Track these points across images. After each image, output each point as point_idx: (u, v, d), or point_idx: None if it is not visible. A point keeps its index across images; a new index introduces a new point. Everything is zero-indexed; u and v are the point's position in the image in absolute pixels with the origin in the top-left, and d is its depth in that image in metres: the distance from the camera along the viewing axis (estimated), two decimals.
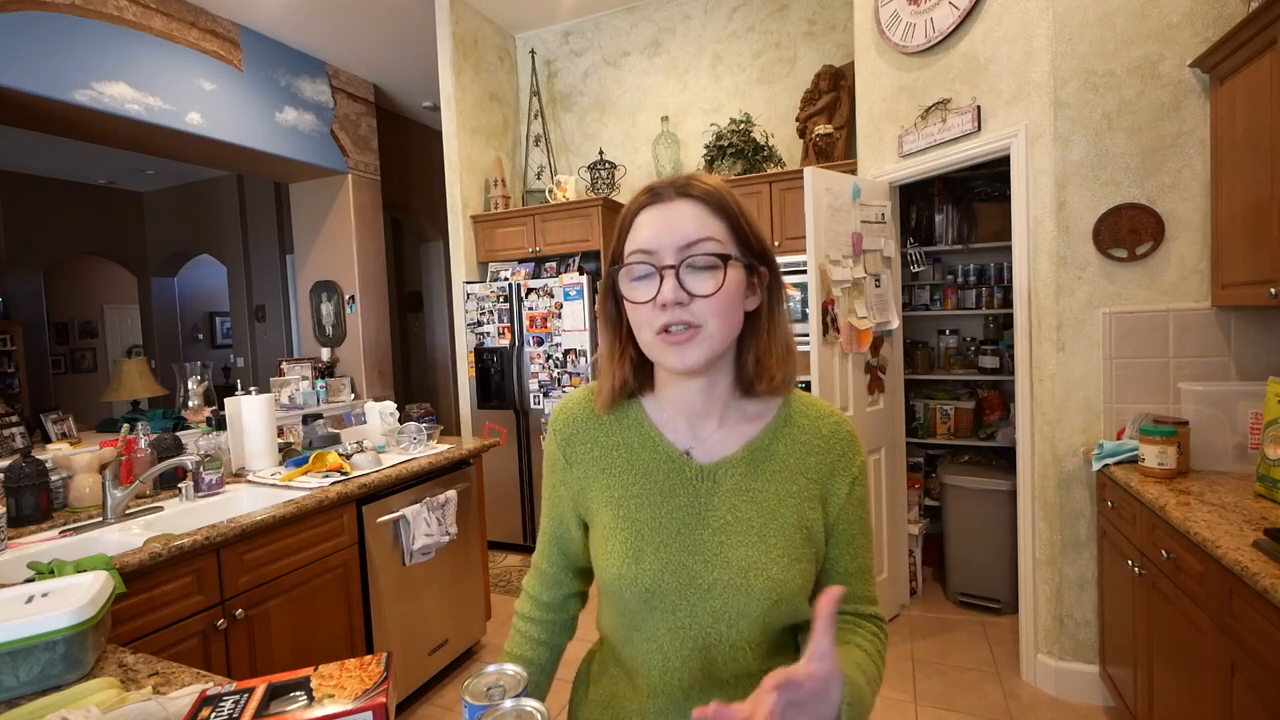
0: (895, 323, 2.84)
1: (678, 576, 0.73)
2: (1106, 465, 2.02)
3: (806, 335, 2.62)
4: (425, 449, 2.56)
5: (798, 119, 3.44)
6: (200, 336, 7.96)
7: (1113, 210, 2.10)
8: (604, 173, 3.86)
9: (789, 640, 0.79)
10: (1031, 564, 2.33)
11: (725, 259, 0.69)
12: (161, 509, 1.95)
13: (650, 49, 4.01)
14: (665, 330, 0.69)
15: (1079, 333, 2.18)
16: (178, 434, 2.24)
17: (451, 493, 2.47)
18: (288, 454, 2.42)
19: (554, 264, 3.88)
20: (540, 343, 3.69)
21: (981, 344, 3.30)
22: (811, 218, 2.47)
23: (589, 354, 3.55)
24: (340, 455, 2.30)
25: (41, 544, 1.66)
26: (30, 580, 1.22)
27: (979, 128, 2.37)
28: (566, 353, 3.61)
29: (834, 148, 3.23)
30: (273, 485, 2.15)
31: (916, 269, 3.24)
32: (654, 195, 0.72)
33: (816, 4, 3.57)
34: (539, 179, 4.32)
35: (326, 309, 5.02)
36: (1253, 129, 1.72)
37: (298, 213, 5.11)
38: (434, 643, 2.43)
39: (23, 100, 3.08)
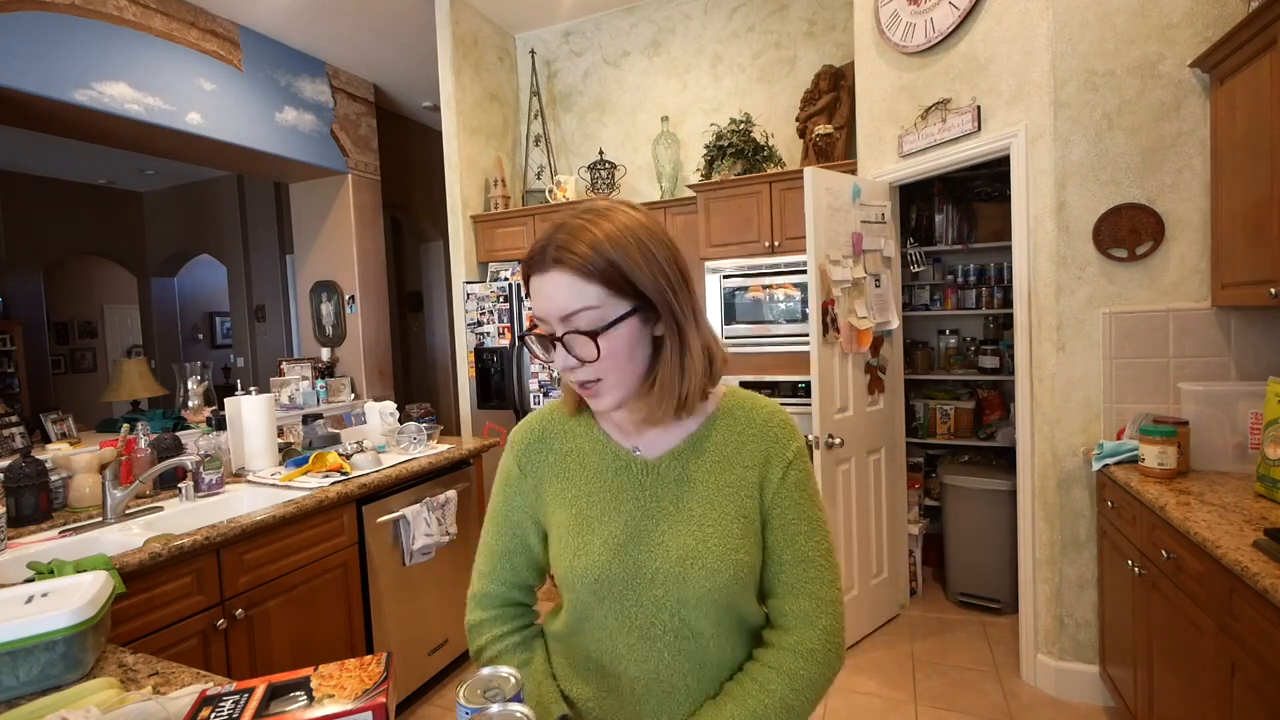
0: (895, 323, 2.84)
1: (624, 566, 0.77)
2: (1106, 465, 2.02)
3: (806, 335, 2.62)
4: (425, 449, 2.56)
5: (798, 119, 3.44)
6: (200, 336, 7.96)
7: (1113, 210, 2.10)
8: (604, 173, 3.85)
9: (742, 631, 0.80)
10: (1031, 564, 2.33)
11: (608, 325, 0.70)
12: (161, 509, 1.95)
13: (650, 49, 4.01)
14: (578, 383, 0.75)
15: (1079, 333, 2.18)
16: (178, 434, 2.24)
17: (451, 493, 2.47)
18: (288, 454, 2.42)
19: None
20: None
21: (981, 344, 3.30)
22: (811, 218, 2.47)
23: None
24: (340, 455, 2.30)
25: (41, 544, 1.66)
26: (30, 580, 1.22)
27: (979, 128, 2.37)
28: None
29: (834, 148, 3.23)
30: (273, 485, 2.15)
31: (916, 269, 3.24)
32: (532, 263, 0.74)
33: (816, 4, 3.57)
34: (539, 179, 4.31)
35: (326, 309, 5.02)
36: (1253, 129, 1.72)
37: (298, 213, 5.11)
38: (434, 643, 2.43)
39: (22, 100, 3.08)
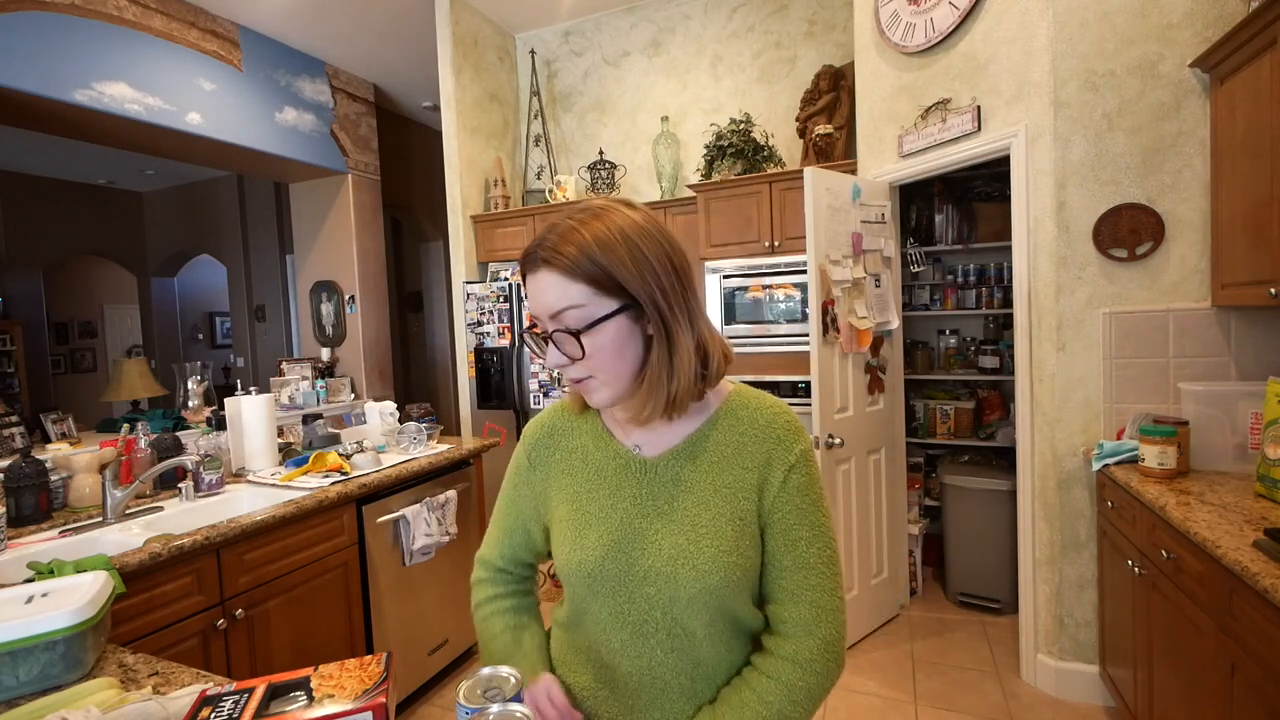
0: (895, 323, 2.84)
1: (617, 562, 0.77)
2: (1106, 465, 2.02)
3: (806, 335, 2.62)
4: (425, 449, 2.56)
5: (798, 119, 3.44)
6: (200, 336, 7.96)
7: (1113, 210, 2.10)
8: (604, 173, 3.85)
9: (737, 633, 0.79)
10: (1031, 564, 2.33)
11: (593, 323, 0.72)
12: (161, 509, 1.95)
13: (650, 49, 4.01)
14: (572, 380, 0.78)
15: (1079, 333, 2.18)
16: (178, 434, 2.24)
17: (451, 493, 2.47)
18: (288, 454, 2.42)
19: None
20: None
21: (981, 344, 3.30)
22: (811, 218, 2.47)
23: None
24: (340, 455, 2.30)
25: (41, 544, 1.66)
26: (30, 580, 1.22)
27: (979, 128, 2.37)
28: None
29: (834, 148, 3.23)
30: (273, 485, 2.15)
31: (916, 269, 3.24)
32: (525, 263, 0.76)
33: (816, 4, 3.57)
34: (539, 179, 4.32)
35: (326, 309, 5.02)
36: (1253, 129, 1.72)
37: (298, 213, 5.11)
38: (434, 643, 2.43)
39: (23, 100, 3.08)
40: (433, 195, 5.94)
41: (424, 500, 2.34)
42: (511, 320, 3.76)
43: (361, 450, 2.38)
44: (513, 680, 0.71)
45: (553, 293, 0.72)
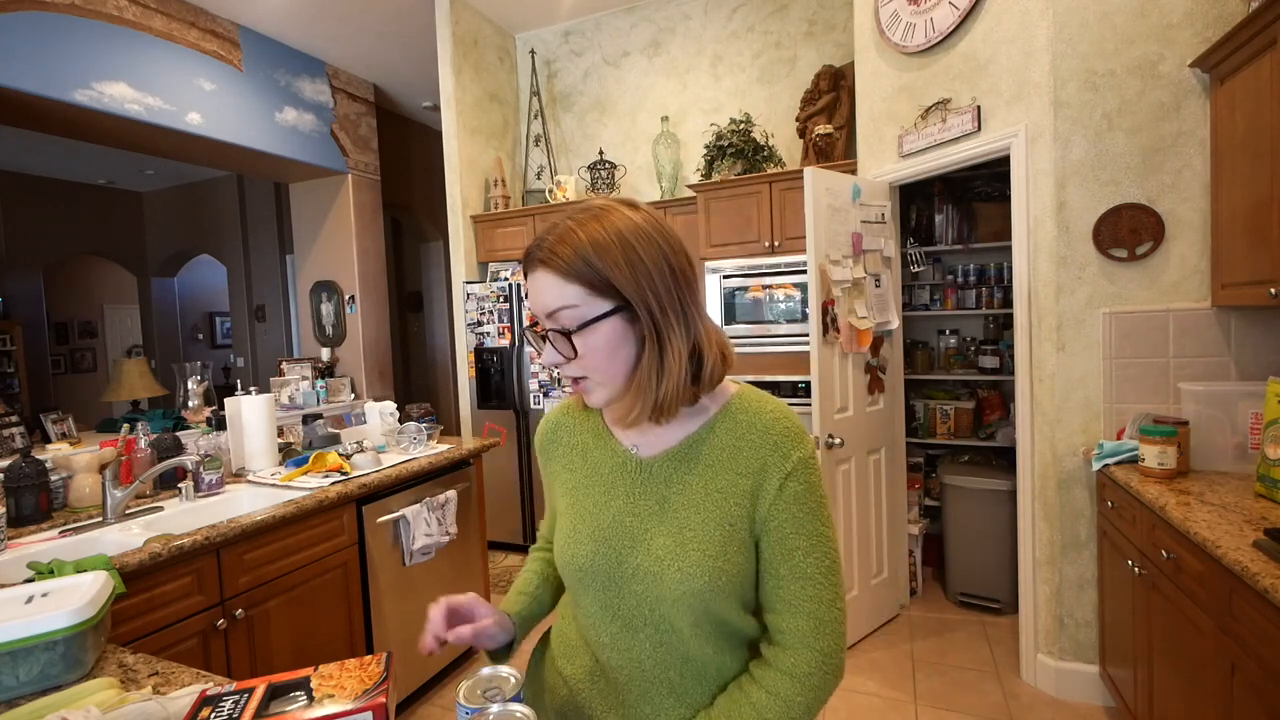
0: (895, 323, 2.84)
1: (607, 559, 0.79)
2: (1106, 465, 2.02)
3: (806, 335, 2.62)
4: (425, 449, 2.56)
5: (798, 119, 3.44)
6: (200, 336, 7.96)
7: (1113, 210, 2.10)
8: (604, 173, 3.86)
9: (726, 634, 0.79)
10: (1031, 564, 2.33)
11: (585, 323, 0.73)
12: (161, 509, 1.95)
13: (650, 49, 4.01)
14: (569, 378, 0.79)
15: (1079, 333, 2.18)
16: (178, 434, 2.24)
17: (451, 493, 2.47)
18: (288, 454, 2.42)
19: None
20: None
21: (981, 344, 3.30)
22: (811, 218, 2.47)
23: None
24: (340, 455, 2.30)
25: (41, 544, 1.65)
26: (30, 580, 1.22)
27: (979, 128, 2.37)
28: None
29: (834, 148, 3.23)
30: (273, 485, 2.15)
31: (916, 269, 3.24)
32: (525, 262, 0.77)
33: (816, 4, 3.57)
34: (539, 179, 4.32)
35: (326, 309, 5.02)
36: (1253, 129, 1.72)
37: (298, 213, 5.11)
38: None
39: (23, 100, 3.08)
40: (433, 195, 5.95)
41: (424, 500, 2.34)
42: (511, 320, 3.76)
43: (361, 450, 2.38)
44: (513, 680, 0.71)
45: (549, 293, 0.73)
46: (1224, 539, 1.35)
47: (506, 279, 3.85)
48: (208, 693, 0.70)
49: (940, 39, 2.46)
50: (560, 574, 0.86)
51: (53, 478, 1.89)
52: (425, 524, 2.32)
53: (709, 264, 3.28)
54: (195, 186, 6.85)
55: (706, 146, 3.57)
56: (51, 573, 1.21)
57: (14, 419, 2.32)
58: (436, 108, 4.87)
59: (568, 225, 0.74)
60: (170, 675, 0.97)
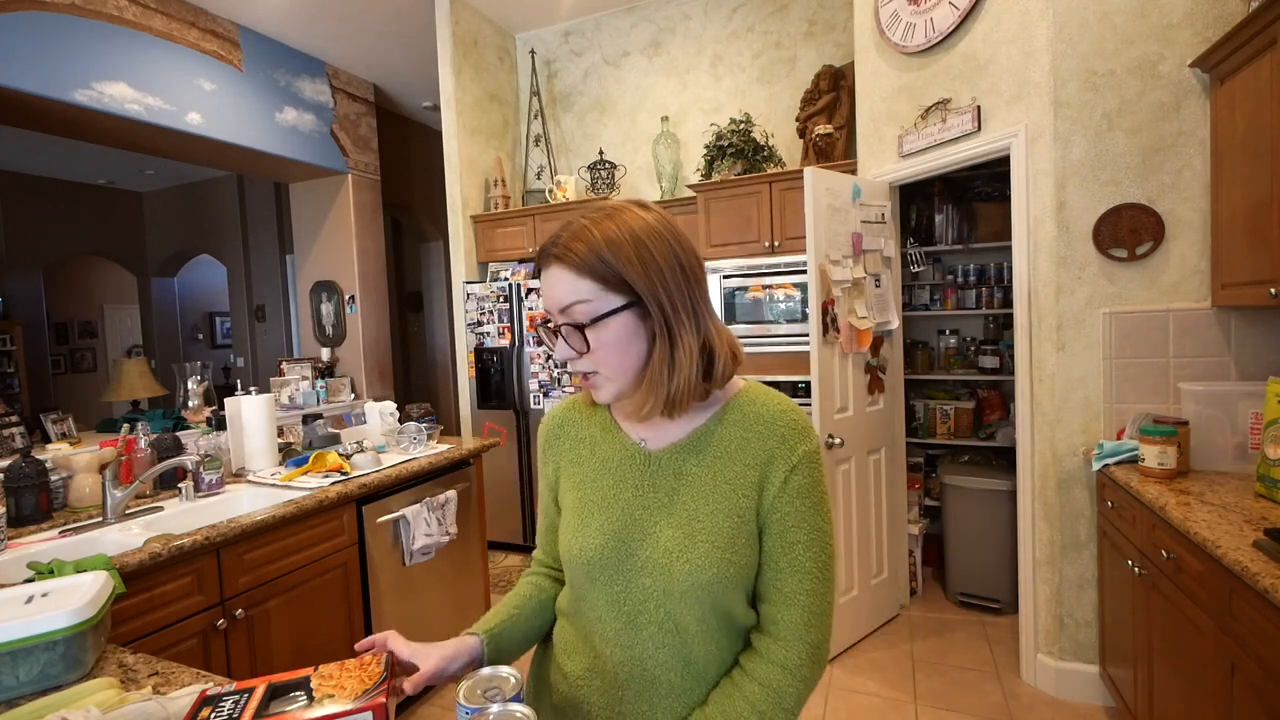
0: (895, 323, 2.84)
1: (616, 552, 0.79)
2: (1106, 465, 2.02)
3: (806, 335, 2.62)
4: (425, 449, 2.56)
5: (798, 119, 3.44)
6: (200, 336, 7.96)
7: (1113, 210, 2.10)
8: (604, 173, 3.86)
9: (729, 630, 0.79)
10: (1031, 564, 2.33)
11: (597, 318, 0.74)
12: (161, 509, 1.95)
13: (650, 49, 4.01)
14: (579, 373, 0.80)
15: (1079, 333, 2.18)
16: (178, 434, 2.24)
17: (451, 493, 2.47)
18: (288, 454, 2.42)
19: None
20: (540, 342, 3.69)
21: (981, 344, 3.30)
22: (811, 218, 2.47)
23: None
24: (340, 455, 2.30)
25: (41, 544, 1.65)
26: (30, 580, 1.22)
27: (979, 128, 2.37)
28: None
29: (834, 148, 3.23)
30: (273, 485, 2.15)
31: (916, 269, 3.24)
32: (539, 259, 0.79)
33: (816, 4, 3.57)
34: (539, 179, 4.32)
35: (326, 309, 5.02)
36: (1253, 129, 1.72)
37: (298, 213, 5.11)
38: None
39: (23, 100, 3.08)
40: (433, 195, 5.95)
41: (424, 500, 2.34)
42: (511, 320, 3.76)
43: (361, 450, 2.38)
44: (513, 680, 0.71)
45: (562, 288, 0.75)
46: (1224, 539, 1.35)
47: (506, 279, 3.85)
48: (208, 693, 0.70)
49: (940, 39, 2.46)
50: (565, 568, 0.86)
51: (53, 478, 1.89)
52: (425, 524, 2.32)
53: (709, 264, 3.28)
54: (195, 186, 6.85)
55: (706, 146, 3.57)
56: (51, 573, 1.21)
57: (14, 419, 2.32)
58: (436, 108, 4.87)
59: (582, 223, 0.76)
60: (170, 675, 0.97)
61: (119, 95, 3.36)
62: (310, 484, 2.10)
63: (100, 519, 1.81)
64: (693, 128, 3.88)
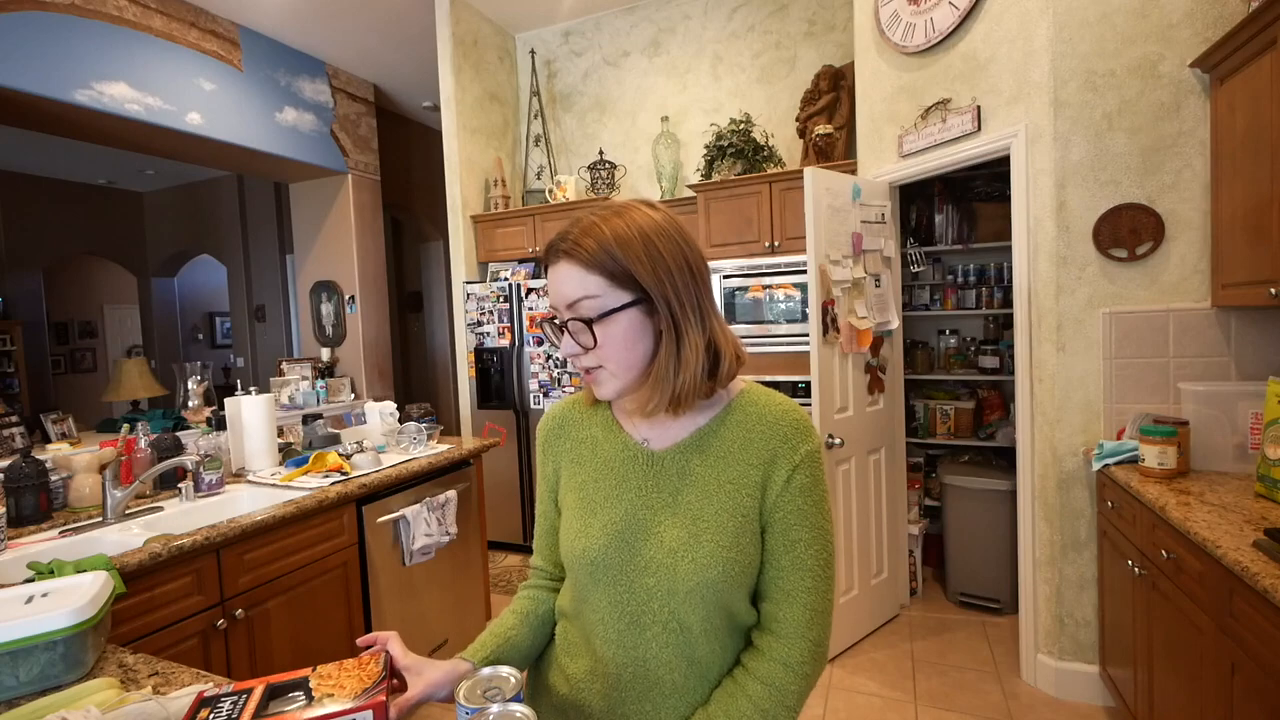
0: (895, 323, 2.84)
1: (620, 552, 0.79)
2: (1106, 465, 2.02)
3: (806, 335, 2.62)
4: (425, 449, 2.56)
5: (798, 119, 3.44)
6: (200, 336, 7.96)
7: (1113, 210, 2.10)
8: (604, 173, 3.86)
9: (732, 630, 0.80)
10: (1031, 564, 2.33)
11: (605, 313, 0.74)
12: (161, 509, 1.95)
13: (650, 49, 4.01)
14: (583, 369, 0.80)
15: (1079, 333, 2.18)
16: (178, 434, 2.24)
17: (451, 493, 2.47)
18: (288, 454, 2.42)
19: None
20: (540, 342, 3.69)
21: (981, 344, 3.30)
22: (811, 218, 2.47)
23: None
24: (340, 455, 2.30)
25: (41, 544, 1.66)
26: (30, 580, 1.22)
27: (979, 128, 2.37)
28: None
29: (834, 148, 3.23)
30: (273, 485, 2.15)
31: (916, 269, 3.24)
32: (547, 255, 0.79)
33: (816, 4, 3.57)
34: (539, 179, 4.32)
35: (326, 309, 5.02)
36: (1253, 129, 1.72)
37: (298, 213, 5.11)
38: (434, 642, 2.43)
39: (22, 100, 3.08)
40: (433, 195, 5.95)
41: (424, 500, 2.34)
42: (511, 320, 3.76)
43: (361, 450, 2.38)
44: (513, 680, 0.71)
45: (570, 283, 0.75)
46: (1224, 539, 1.35)
47: (506, 279, 3.85)
48: (205, 694, 0.70)
49: (940, 39, 2.46)
50: (568, 569, 0.86)
51: (53, 478, 1.89)
52: (425, 524, 2.32)
53: (709, 264, 3.28)
54: (195, 186, 6.85)
55: (706, 146, 3.58)
56: (51, 573, 1.21)
57: (14, 419, 2.32)
58: (436, 108, 4.86)
59: (591, 220, 0.76)
60: (170, 675, 0.97)
61: (119, 95, 3.36)
62: (310, 484, 2.10)
63: (100, 519, 1.81)
64: (693, 128, 3.88)
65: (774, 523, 0.78)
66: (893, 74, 2.73)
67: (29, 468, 1.79)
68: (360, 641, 0.79)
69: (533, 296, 3.69)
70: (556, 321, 0.79)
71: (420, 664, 0.78)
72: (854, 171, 3.04)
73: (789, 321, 3.10)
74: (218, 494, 2.08)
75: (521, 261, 3.96)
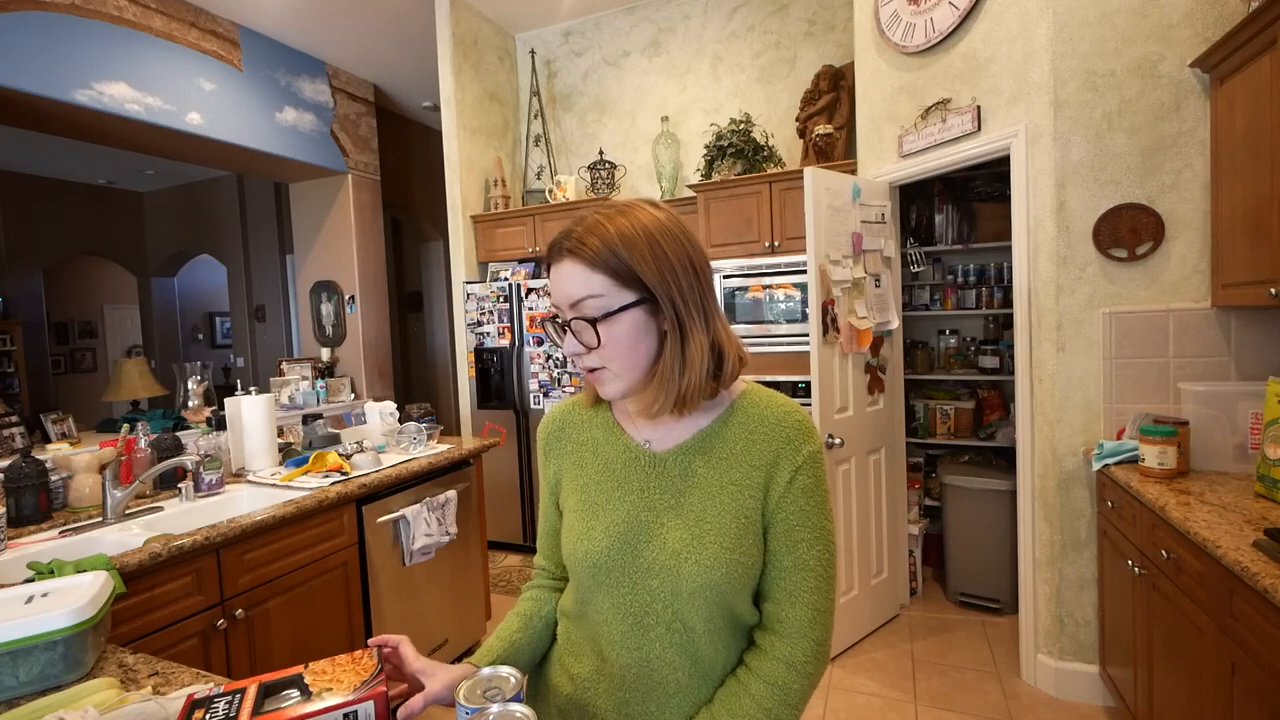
0: (895, 323, 2.84)
1: (622, 554, 0.79)
2: (1106, 465, 2.02)
3: (806, 335, 2.61)
4: (425, 449, 2.56)
5: (798, 119, 3.44)
6: (200, 336, 7.96)
7: (1113, 210, 2.10)
8: (604, 173, 3.86)
9: (735, 630, 0.80)
10: (1031, 564, 2.33)
11: (610, 313, 0.74)
12: (161, 509, 1.95)
13: (650, 49, 4.01)
14: (585, 369, 0.79)
15: (1079, 333, 2.18)
16: (178, 434, 2.24)
17: (451, 493, 2.47)
18: (288, 454, 2.42)
19: None
20: (540, 343, 3.69)
21: (981, 344, 3.30)
22: (811, 218, 2.47)
23: None
24: (340, 455, 2.30)
25: (41, 544, 1.66)
26: (30, 580, 1.22)
27: (979, 128, 2.37)
28: None
29: (834, 148, 3.23)
30: (273, 485, 2.15)
31: (916, 269, 3.24)
32: (551, 253, 0.79)
33: (816, 4, 3.57)
34: (539, 179, 4.32)
35: (326, 309, 5.02)
36: (1253, 129, 1.72)
37: (298, 213, 5.11)
38: (434, 642, 2.43)
39: (23, 100, 3.08)
40: (433, 195, 5.95)
41: (424, 500, 2.34)
42: (511, 320, 3.76)
43: (361, 450, 2.38)
44: (513, 680, 0.71)
45: (574, 281, 0.75)
46: (1224, 539, 1.35)
47: (506, 279, 3.85)
48: (195, 697, 0.68)
49: (940, 39, 2.46)
50: (570, 572, 0.85)
51: (53, 478, 1.89)
52: (425, 524, 2.32)
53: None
54: (195, 186, 6.85)
55: (706, 146, 3.57)
56: (51, 573, 1.21)
57: (14, 419, 2.32)
58: (436, 108, 4.86)
59: (595, 219, 0.76)
60: (170, 675, 0.97)
61: (119, 95, 3.36)
62: (310, 484, 2.10)
63: (100, 519, 1.81)
64: (693, 128, 3.88)
65: (776, 523, 0.78)
66: (893, 74, 2.73)
67: (29, 468, 1.79)
68: (373, 642, 0.78)
69: (533, 296, 3.69)
70: (559, 321, 0.79)
71: (434, 667, 0.78)
72: (854, 171, 3.04)
73: (789, 321, 3.10)
74: (218, 494, 2.08)
75: (521, 261, 3.96)
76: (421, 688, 0.76)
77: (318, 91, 4.55)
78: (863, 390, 2.72)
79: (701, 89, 3.89)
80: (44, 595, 0.99)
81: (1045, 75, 2.14)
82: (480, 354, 3.86)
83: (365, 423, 2.74)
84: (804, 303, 3.02)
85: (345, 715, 0.67)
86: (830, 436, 2.54)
